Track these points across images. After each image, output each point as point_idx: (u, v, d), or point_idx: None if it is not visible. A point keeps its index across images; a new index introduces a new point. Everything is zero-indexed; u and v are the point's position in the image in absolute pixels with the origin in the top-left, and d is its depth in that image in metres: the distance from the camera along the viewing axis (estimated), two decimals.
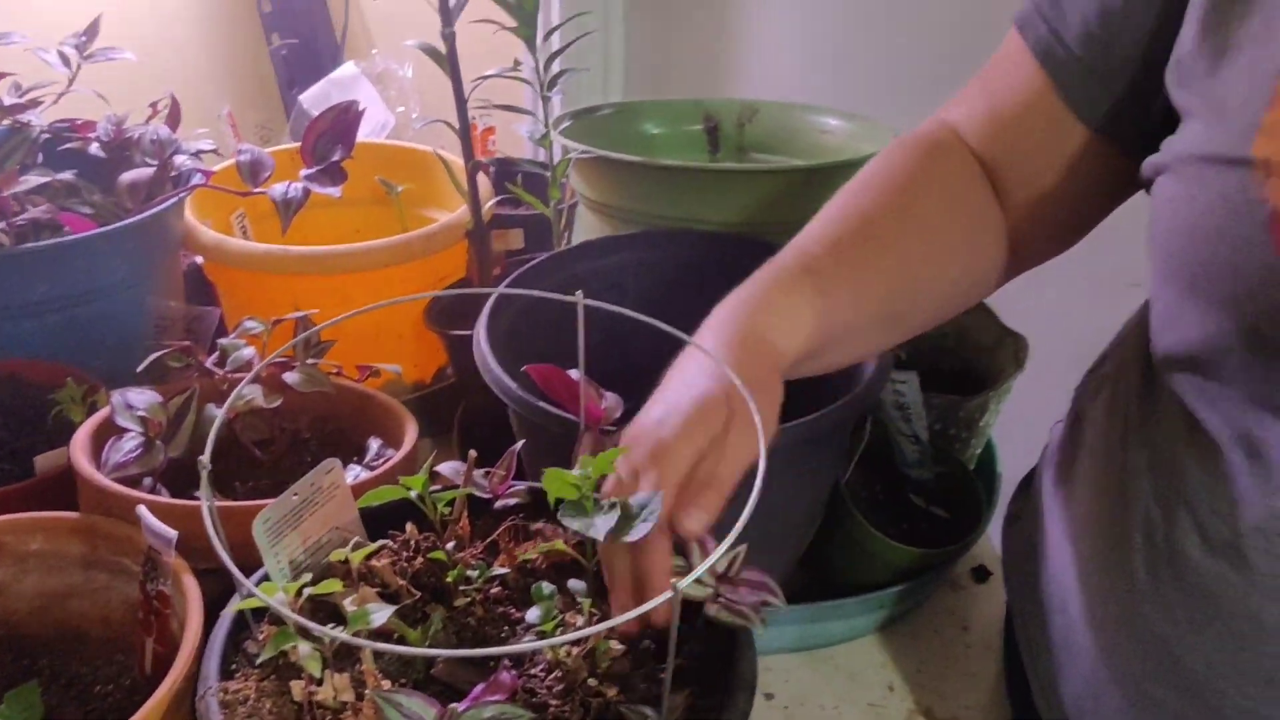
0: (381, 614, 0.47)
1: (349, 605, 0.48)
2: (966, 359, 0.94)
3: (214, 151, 0.92)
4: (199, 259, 1.01)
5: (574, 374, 0.64)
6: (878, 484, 0.87)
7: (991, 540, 0.88)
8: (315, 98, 1.19)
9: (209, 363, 0.79)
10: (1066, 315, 0.89)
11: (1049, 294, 1.00)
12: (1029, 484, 0.79)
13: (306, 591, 0.48)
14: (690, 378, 0.60)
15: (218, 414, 0.76)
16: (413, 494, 0.58)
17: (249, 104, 1.34)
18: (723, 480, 0.56)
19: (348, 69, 1.21)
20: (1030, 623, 0.71)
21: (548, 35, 0.88)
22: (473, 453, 0.61)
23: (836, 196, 0.72)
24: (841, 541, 0.80)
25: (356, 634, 0.47)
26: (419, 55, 1.08)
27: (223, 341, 0.81)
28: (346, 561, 0.53)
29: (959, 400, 0.85)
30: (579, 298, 0.60)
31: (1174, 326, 0.61)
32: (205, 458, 0.50)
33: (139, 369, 0.76)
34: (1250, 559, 0.55)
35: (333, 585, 0.49)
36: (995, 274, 0.73)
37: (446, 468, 0.63)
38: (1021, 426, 0.92)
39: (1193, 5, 0.60)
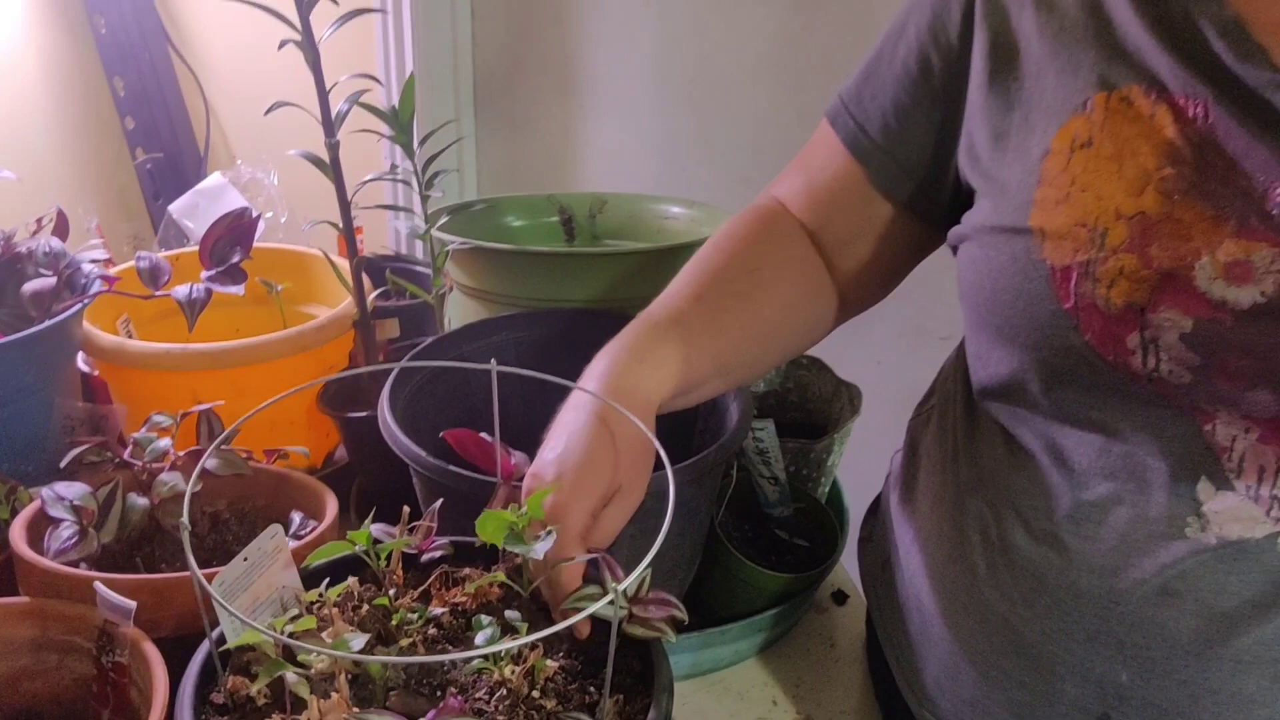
0: (358, 641, 0.54)
1: (325, 637, 0.55)
2: (810, 409, 1.07)
3: (108, 261, 0.97)
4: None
5: (485, 436, 0.73)
6: (746, 523, 0.98)
7: (845, 566, 1.00)
8: (184, 208, 1.25)
9: (126, 455, 0.84)
10: (888, 366, 1.02)
11: (874, 349, 1.14)
12: (876, 508, 0.92)
13: (289, 628, 0.55)
14: (579, 425, 0.70)
15: (141, 502, 0.82)
16: (359, 547, 0.65)
17: (118, 216, 1.38)
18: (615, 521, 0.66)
19: (215, 179, 1.27)
20: (891, 624, 0.83)
21: (423, 141, 0.97)
22: (405, 509, 0.69)
23: (694, 260, 0.84)
24: (720, 576, 0.90)
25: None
26: (284, 163, 1.15)
27: (137, 436, 0.86)
28: (314, 603, 0.60)
29: (809, 444, 0.98)
30: (493, 365, 0.69)
31: (986, 363, 0.75)
32: (185, 519, 0.57)
33: (63, 464, 0.81)
34: (1066, 542, 0.69)
35: (309, 623, 0.56)
36: (828, 321, 0.87)
37: (376, 529, 0.70)
38: (861, 462, 1.05)
39: (972, 102, 0.75)
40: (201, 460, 0.68)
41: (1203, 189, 0.63)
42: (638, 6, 1.35)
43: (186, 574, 0.71)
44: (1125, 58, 0.67)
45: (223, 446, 0.86)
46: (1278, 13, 0.63)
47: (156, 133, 1.43)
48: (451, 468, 0.76)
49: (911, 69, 0.78)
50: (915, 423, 0.87)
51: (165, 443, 0.85)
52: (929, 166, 0.79)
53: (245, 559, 0.64)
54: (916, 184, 0.80)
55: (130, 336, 1.09)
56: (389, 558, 0.68)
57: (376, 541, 0.67)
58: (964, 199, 0.77)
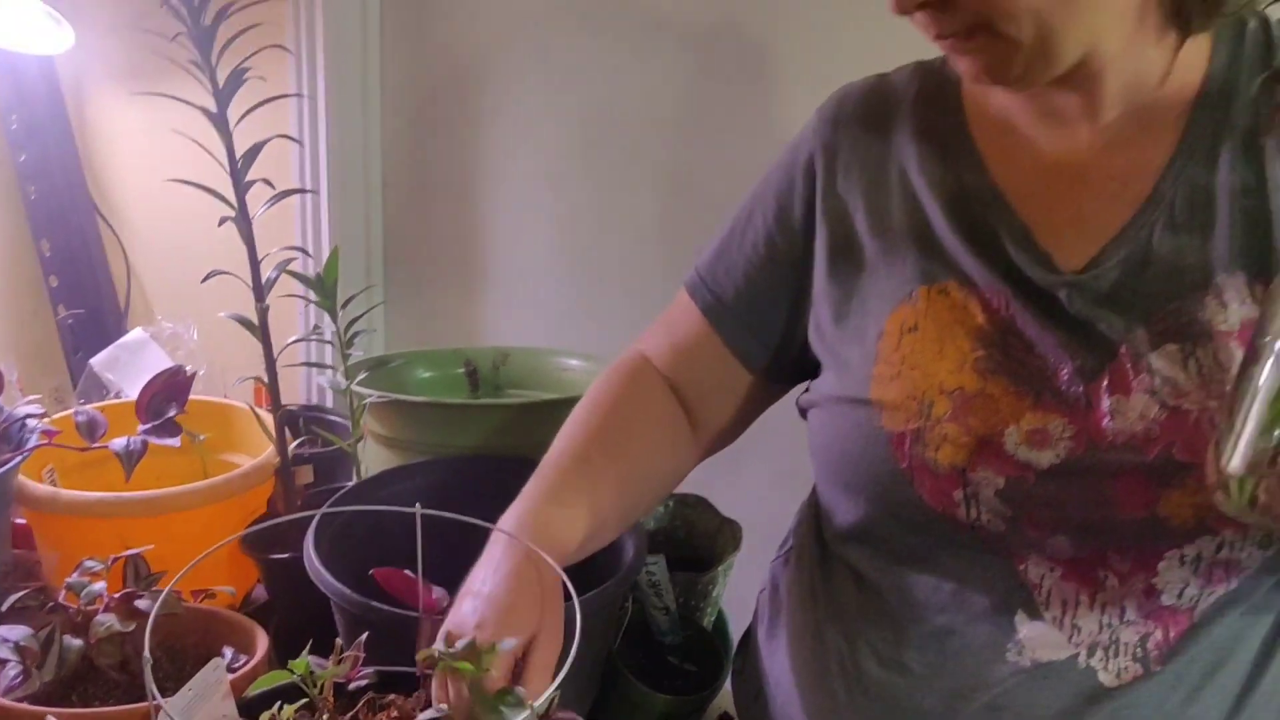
0: None
1: None
2: (696, 544, 1.18)
3: (43, 415, 1.04)
4: None
5: (407, 573, 0.82)
6: (640, 650, 1.07)
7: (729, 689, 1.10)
8: (106, 361, 1.32)
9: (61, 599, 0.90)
10: (765, 503, 1.13)
11: (751, 489, 1.26)
12: (746, 643, 1.03)
13: None
14: (502, 571, 0.77)
15: (76, 643, 0.88)
16: (297, 676, 0.73)
17: (39, 371, 1.43)
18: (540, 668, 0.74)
19: (137, 334, 1.34)
20: None
21: (345, 304, 1.07)
22: (338, 640, 0.77)
23: (580, 417, 0.94)
24: (618, 699, 0.99)
25: None
26: (203, 319, 1.24)
27: (71, 581, 0.92)
28: None
29: (696, 577, 1.08)
30: (417, 509, 0.79)
31: (836, 511, 0.88)
32: (146, 654, 0.64)
33: (3, 608, 0.86)
34: (911, 668, 0.81)
35: None
36: (691, 465, 0.98)
37: (310, 660, 0.78)
38: (744, 592, 1.15)
39: (817, 286, 0.89)
40: (157, 604, 0.75)
41: (1008, 369, 0.77)
42: (537, 187, 1.49)
43: (132, 707, 0.77)
44: (942, 257, 0.81)
45: (154, 587, 0.92)
46: (1058, 223, 0.79)
47: (80, 290, 1.50)
48: (375, 604, 0.84)
49: (760, 251, 0.92)
50: (776, 563, 0.99)
51: (99, 586, 0.91)
52: (779, 336, 0.93)
53: (191, 690, 0.71)
54: (768, 350, 0.94)
55: (55, 485, 1.14)
56: (322, 686, 0.76)
57: (312, 670, 0.75)
58: (810, 363, 0.91)
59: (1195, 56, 0.79)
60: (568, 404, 1.15)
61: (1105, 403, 0.73)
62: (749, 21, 1.39)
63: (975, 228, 0.81)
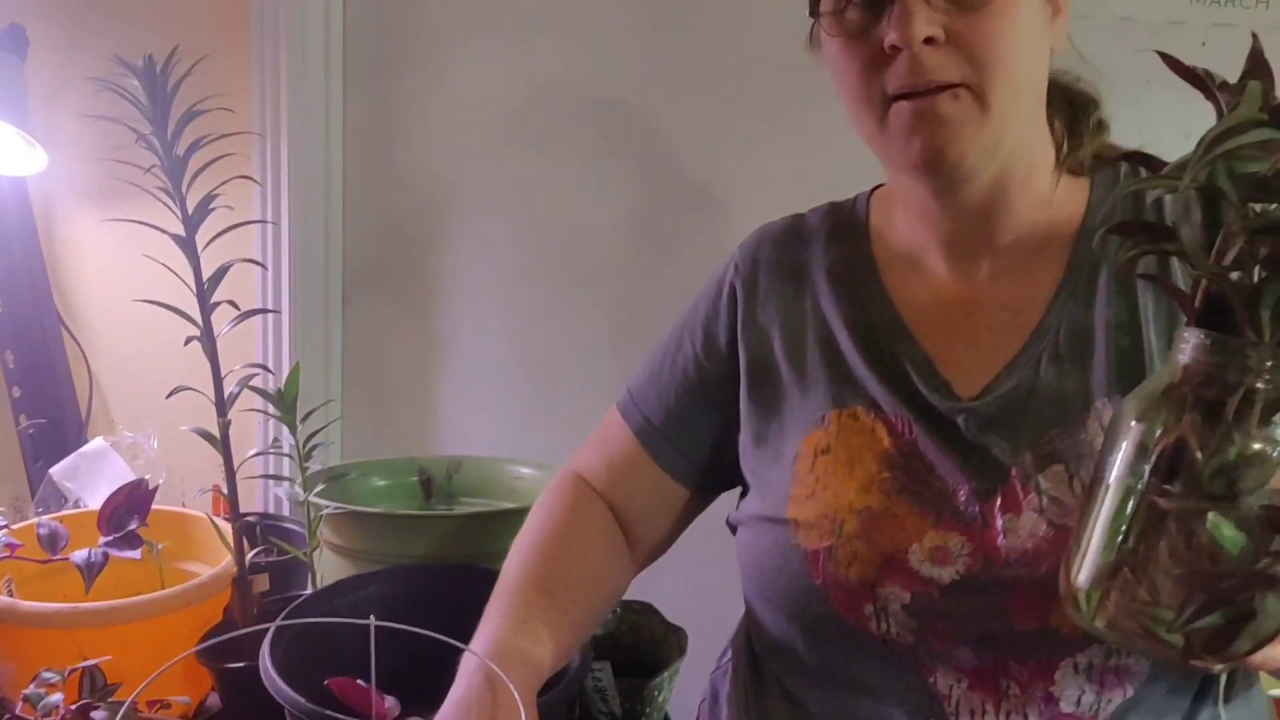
0: None
1: None
2: (642, 650, 1.21)
3: (4, 527, 1.07)
4: None
5: (361, 683, 0.85)
6: None
7: None
8: (66, 470, 1.34)
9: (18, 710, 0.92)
10: (712, 610, 1.17)
11: (699, 594, 1.30)
12: None
13: None
14: (464, 695, 0.79)
15: None
16: None
17: None
18: None
19: (97, 443, 1.37)
20: None
21: (304, 419, 1.12)
22: None
23: (530, 547, 0.97)
24: None
25: None
26: (163, 429, 1.28)
27: (27, 692, 0.94)
28: None
29: (641, 683, 1.11)
30: (371, 620, 0.82)
31: (763, 627, 0.93)
32: None
33: None
34: None
35: None
36: (629, 579, 1.02)
37: None
38: (689, 698, 1.19)
39: (742, 409, 0.94)
40: (118, 718, 0.77)
41: (911, 489, 0.83)
42: (492, 302, 1.56)
43: None
44: (851, 383, 0.88)
45: (110, 699, 0.95)
46: (955, 353, 0.86)
47: (42, 401, 1.53)
48: (329, 714, 0.87)
49: (690, 376, 0.98)
50: (716, 674, 1.04)
51: (56, 698, 0.94)
52: (709, 455, 0.99)
53: None
54: (698, 468, 0.99)
55: (12, 595, 1.16)
56: None
57: None
58: (740, 473, 0.96)
59: (1077, 192, 0.87)
60: (519, 514, 1.20)
61: (999, 521, 0.79)
62: (693, 152, 1.48)
63: (881, 357, 0.87)
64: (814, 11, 0.84)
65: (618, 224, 1.50)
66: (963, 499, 0.81)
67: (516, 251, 1.54)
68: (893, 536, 0.82)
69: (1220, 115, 0.60)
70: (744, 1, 1.41)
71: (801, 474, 0.87)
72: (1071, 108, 0.88)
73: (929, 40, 0.77)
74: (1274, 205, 0.57)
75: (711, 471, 0.99)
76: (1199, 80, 0.62)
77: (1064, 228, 0.86)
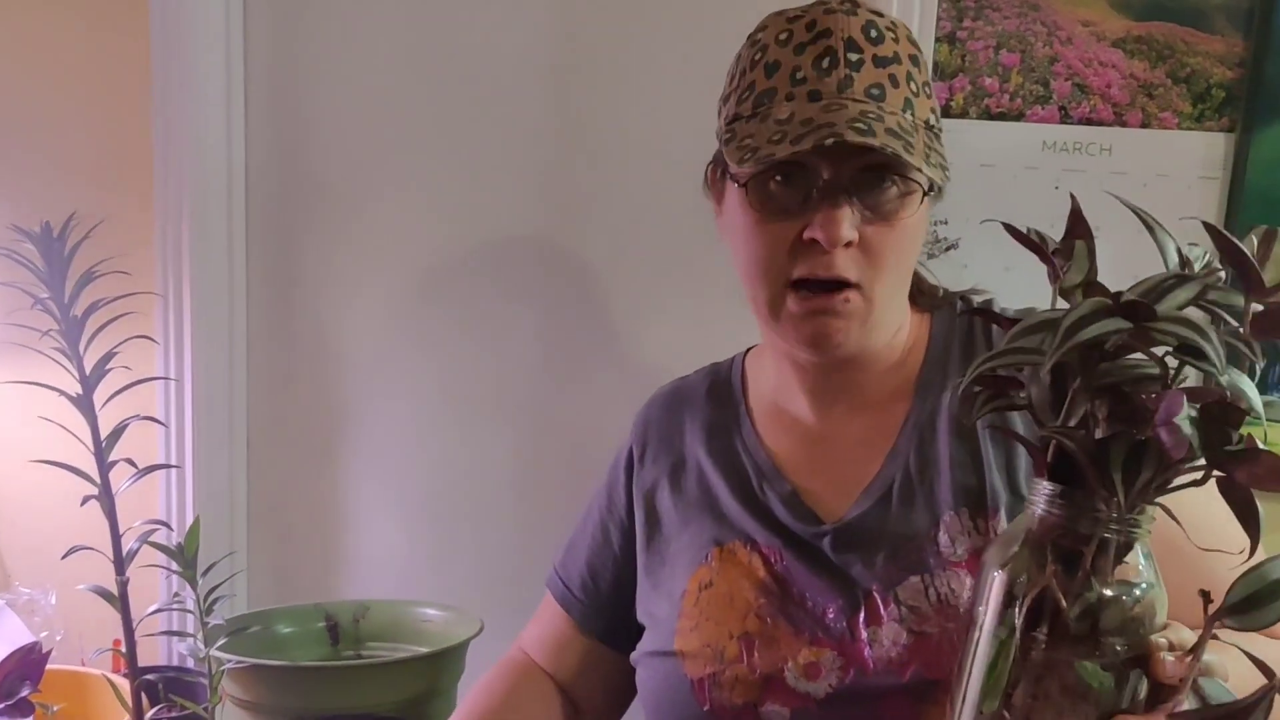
0: None
1: None
2: None
3: None
4: None
5: None
6: None
7: None
8: None
9: None
10: None
11: None
12: None
13: None
14: None
15: None
16: None
17: None
18: None
19: None
20: None
21: (205, 572, 1.11)
22: None
23: (462, 714, 1.04)
24: None
25: None
26: (62, 586, 1.27)
27: None
28: None
29: None
30: None
31: None
32: None
33: None
34: None
35: None
36: None
37: None
38: None
39: (639, 557, 1.01)
40: None
41: (786, 612, 0.89)
42: (397, 445, 1.58)
43: None
44: (728, 522, 0.95)
45: None
46: (819, 485, 0.93)
47: None
48: None
49: (598, 538, 1.07)
50: None
51: None
52: (622, 613, 1.04)
53: None
54: (621, 630, 1.05)
55: None
56: None
57: None
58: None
59: (921, 330, 0.95)
60: (425, 661, 1.20)
61: (864, 634, 0.85)
62: (594, 290, 1.53)
63: (753, 496, 0.95)
64: (726, 172, 0.90)
65: (518, 368, 1.54)
66: (831, 616, 0.87)
67: (419, 397, 1.57)
68: (769, 657, 0.87)
69: (1055, 276, 0.66)
70: (648, 144, 1.47)
71: (687, 608, 0.93)
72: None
73: (848, 244, 0.83)
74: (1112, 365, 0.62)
75: (625, 629, 1.04)
76: (1035, 246, 0.68)
77: (910, 363, 0.94)
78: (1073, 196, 0.68)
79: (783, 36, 0.87)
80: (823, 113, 0.81)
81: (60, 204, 1.14)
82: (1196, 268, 0.64)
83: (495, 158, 1.51)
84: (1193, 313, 0.60)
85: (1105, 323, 0.58)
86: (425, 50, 1.51)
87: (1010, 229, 0.68)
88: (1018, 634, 0.61)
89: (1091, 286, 0.63)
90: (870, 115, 0.81)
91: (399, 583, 1.56)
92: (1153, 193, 1.32)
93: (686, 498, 0.99)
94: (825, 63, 0.84)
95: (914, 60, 0.87)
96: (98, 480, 1.06)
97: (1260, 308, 0.60)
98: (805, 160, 0.83)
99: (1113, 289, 0.63)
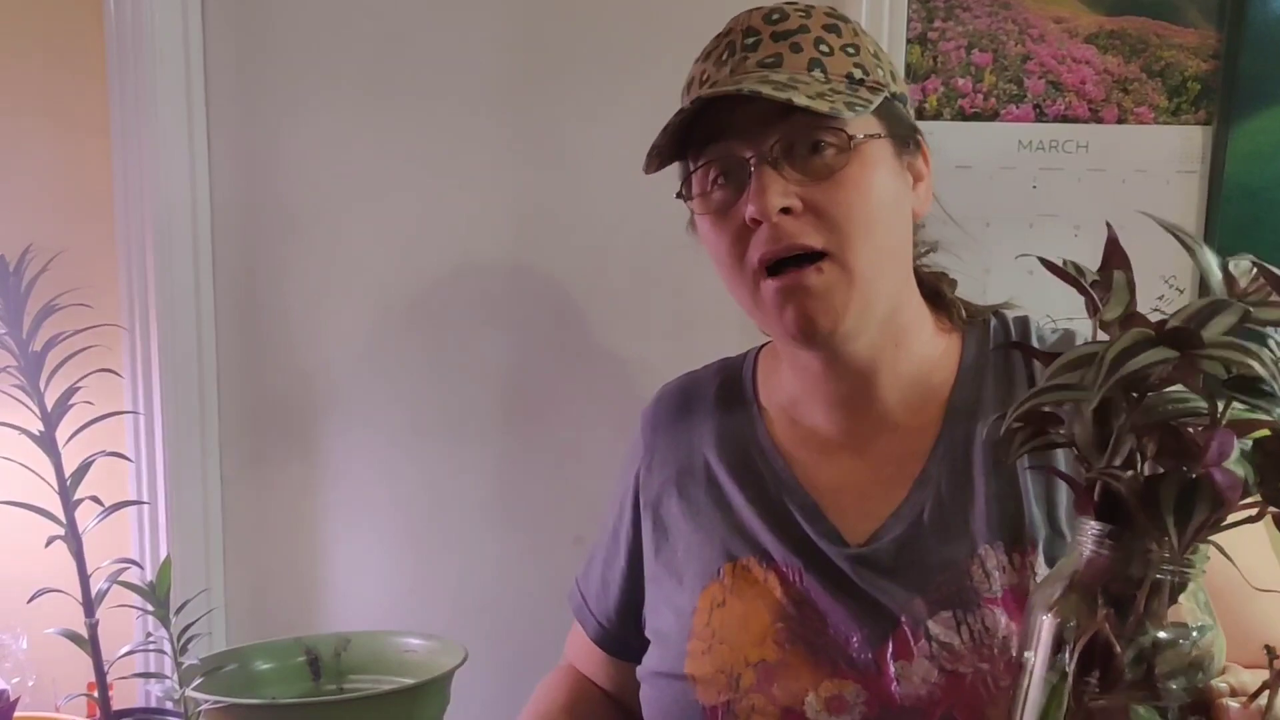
0: None
1: None
2: None
3: None
4: None
5: None
6: None
7: None
8: None
9: None
10: None
11: None
12: None
13: None
14: None
15: None
16: None
17: None
18: None
19: None
20: None
21: (178, 610, 1.08)
22: None
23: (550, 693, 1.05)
24: None
25: None
26: (34, 629, 1.23)
27: None
28: None
29: None
30: None
31: None
32: None
33: None
34: None
35: None
36: None
37: None
38: None
39: (647, 568, 0.97)
40: None
41: (805, 639, 0.84)
42: (372, 478, 1.55)
43: None
44: (743, 534, 0.90)
45: None
46: (844, 501, 0.88)
47: None
48: None
49: (611, 549, 1.03)
50: None
51: None
52: (634, 628, 1.02)
53: None
54: (625, 641, 1.02)
55: None
56: None
57: None
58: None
59: (951, 348, 0.91)
60: (408, 693, 1.16)
61: (892, 668, 0.80)
62: (566, 316, 1.51)
63: (771, 506, 0.90)
64: (684, 195, 0.89)
65: (494, 390, 1.52)
66: (855, 646, 0.82)
67: (395, 424, 1.54)
68: (789, 688, 0.83)
69: (1095, 309, 0.62)
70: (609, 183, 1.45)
71: (699, 629, 0.89)
72: (922, 282, 0.93)
73: (786, 210, 0.80)
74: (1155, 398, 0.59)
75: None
76: (1073, 279, 0.65)
77: (939, 382, 0.90)
78: (1109, 226, 0.65)
79: (699, 55, 0.90)
80: (708, 90, 0.82)
81: (16, 235, 1.11)
82: (1243, 284, 0.60)
83: (462, 177, 1.49)
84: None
85: (1150, 353, 0.55)
86: (388, 73, 1.49)
87: (1046, 263, 0.65)
88: (1070, 680, 0.59)
89: (1132, 318, 0.60)
90: (751, 78, 0.81)
91: (381, 613, 1.52)
92: (1131, 188, 1.31)
93: (696, 504, 0.93)
94: (724, 56, 0.85)
95: (830, 29, 0.86)
96: (63, 520, 1.03)
97: None
98: (728, 148, 0.83)
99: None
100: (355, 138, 1.50)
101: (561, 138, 1.46)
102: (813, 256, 0.82)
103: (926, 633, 0.80)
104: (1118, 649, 0.57)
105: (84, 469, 1.03)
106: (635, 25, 1.42)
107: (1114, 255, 0.64)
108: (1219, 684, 0.57)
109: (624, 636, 1.02)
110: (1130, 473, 0.58)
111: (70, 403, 1.01)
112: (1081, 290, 0.64)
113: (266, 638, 1.40)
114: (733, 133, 0.83)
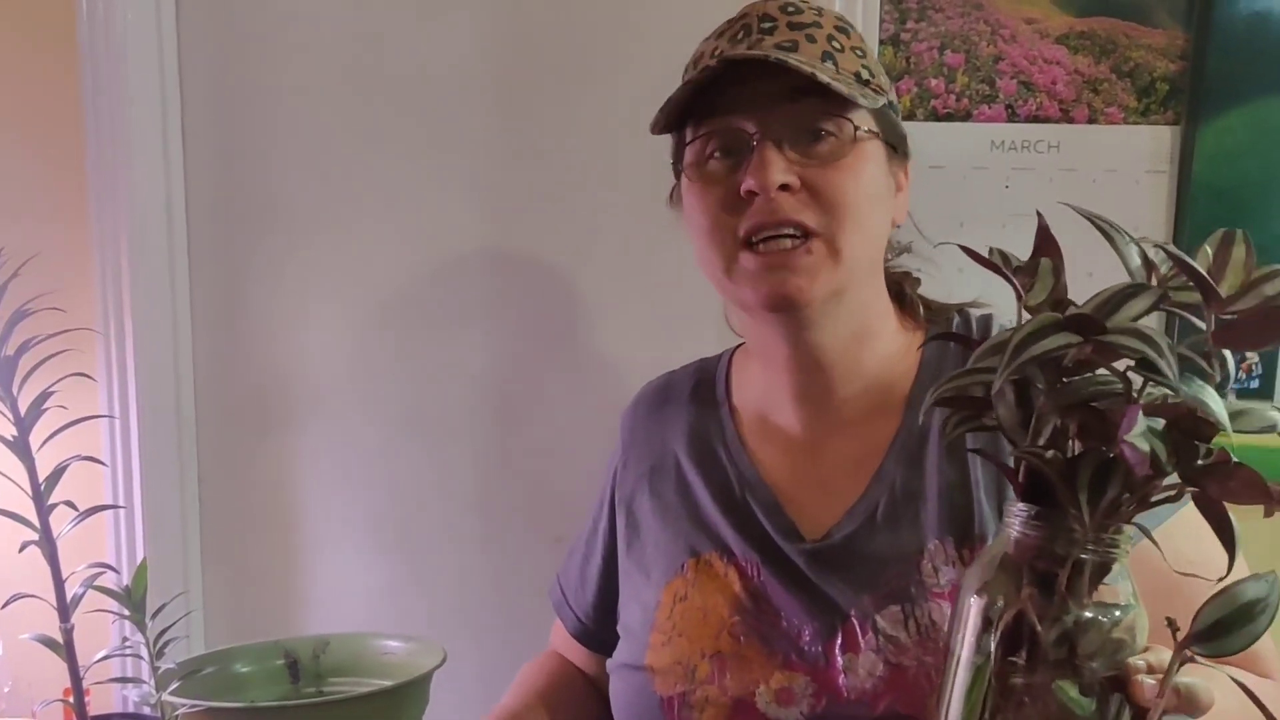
0: None
1: None
2: None
3: None
4: None
5: None
6: None
7: None
8: None
9: None
10: None
11: None
12: None
13: None
14: None
15: None
16: None
17: None
18: None
19: None
20: None
21: (155, 614, 1.08)
22: None
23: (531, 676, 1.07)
24: None
25: None
26: (8, 635, 1.22)
27: None
28: None
29: None
30: None
31: None
32: None
33: None
34: None
35: None
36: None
37: None
38: None
39: (620, 562, 0.97)
40: None
41: (760, 632, 0.86)
42: (352, 475, 1.55)
43: None
44: (706, 530, 0.92)
45: None
46: (803, 497, 0.90)
47: None
48: None
49: (590, 545, 1.04)
50: None
51: None
52: (608, 622, 1.03)
53: None
54: (600, 635, 1.03)
55: None
56: None
57: None
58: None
59: (912, 346, 0.93)
60: (388, 695, 1.16)
61: (839, 661, 0.82)
62: (547, 310, 1.51)
63: (734, 503, 0.91)
64: (677, 168, 0.91)
65: (475, 389, 1.52)
66: (807, 639, 0.84)
67: (375, 425, 1.54)
68: (741, 679, 0.85)
69: (1019, 295, 0.64)
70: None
71: (661, 621, 0.91)
72: (887, 282, 0.95)
73: (784, 187, 0.82)
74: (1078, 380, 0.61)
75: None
76: (997, 268, 0.66)
77: (901, 380, 0.91)
78: (1039, 215, 0.66)
79: (709, 35, 0.91)
80: (734, 53, 0.85)
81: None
82: (1164, 270, 0.62)
83: (441, 174, 1.49)
84: (1153, 320, 0.58)
85: (1054, 338, 0.56)
86: (366, 72, 1.48)
87: (969, 251, 0.66)
88: (994, 660, 0.60)
89: (1059, 304, 0.61)
90: (768, 49, 0.84)
91: (361, 614, 1.52)
92: (1102, 188, 1.33)
93: (665, 501, 0.96)
94: (739, 34, 0.87)
95: (841, 30, 0.89)
96: (37, 525, 1.03)
97: (1225, 317, 0.58)
98: (732, 121, 0.85)
99: (1072, 286, 0.62)
100: (333, 137, 1.50)
101: (540, 137, 1.46)
102: (800, 236, 0.84)
103: (874, 626, 0.82)
104: (1039, 628, 0.58)
105: (58, 474, 1.02)
106: (616, 24, 1.42)
107: (1044, 244, 0.65)
108: (1136, 661, 0.58)
109: (601, 633, 1.03)
110: (1051, 452, 0.59)
111: (44, 407, 1.01)
112: (1006, 277, 0.65)
113: (246, 640, 1.40)
114: (739, 107, 0.85)
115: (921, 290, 0.99)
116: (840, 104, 0.84)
